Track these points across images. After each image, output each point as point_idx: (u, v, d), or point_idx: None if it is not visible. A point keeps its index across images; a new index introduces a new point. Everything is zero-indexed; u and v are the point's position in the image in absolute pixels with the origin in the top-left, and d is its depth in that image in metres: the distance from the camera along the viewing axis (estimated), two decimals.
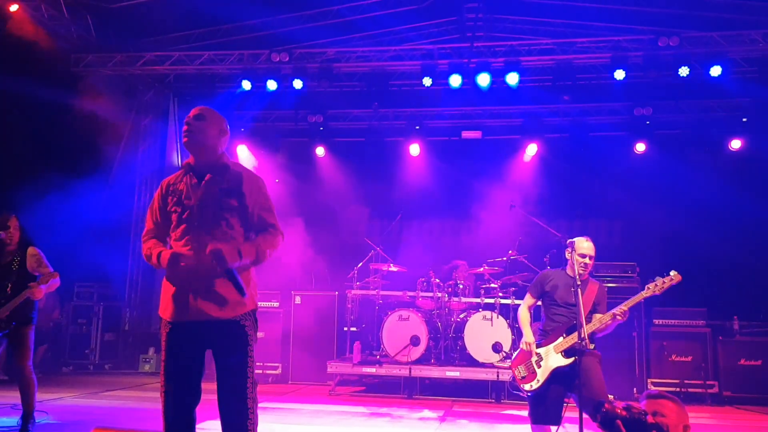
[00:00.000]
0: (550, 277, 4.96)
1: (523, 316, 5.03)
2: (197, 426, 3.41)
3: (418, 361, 8.63)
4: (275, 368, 9.58)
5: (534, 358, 4.74)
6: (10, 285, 5.54)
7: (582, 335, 4.33)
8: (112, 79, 11.93)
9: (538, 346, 4.78)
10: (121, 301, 11.96)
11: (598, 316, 4.68)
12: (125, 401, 8.02)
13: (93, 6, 10.58)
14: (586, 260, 4.75)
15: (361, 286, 9.60)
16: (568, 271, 4.86)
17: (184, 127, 3.42)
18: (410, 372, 8.47)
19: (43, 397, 5.91)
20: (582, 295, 4.52)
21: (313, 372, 9.50)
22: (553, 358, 4.66)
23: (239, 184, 3.44)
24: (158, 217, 3.54)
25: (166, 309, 3.39)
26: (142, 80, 12.56)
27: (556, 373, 4.62)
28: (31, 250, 5.69)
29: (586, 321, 4.62)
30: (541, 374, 4.67)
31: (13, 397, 6.47)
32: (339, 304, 9.80)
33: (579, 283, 4.48)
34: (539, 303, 5.08)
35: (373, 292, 9.40)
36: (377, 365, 8.67)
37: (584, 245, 4.80)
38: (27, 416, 5.59)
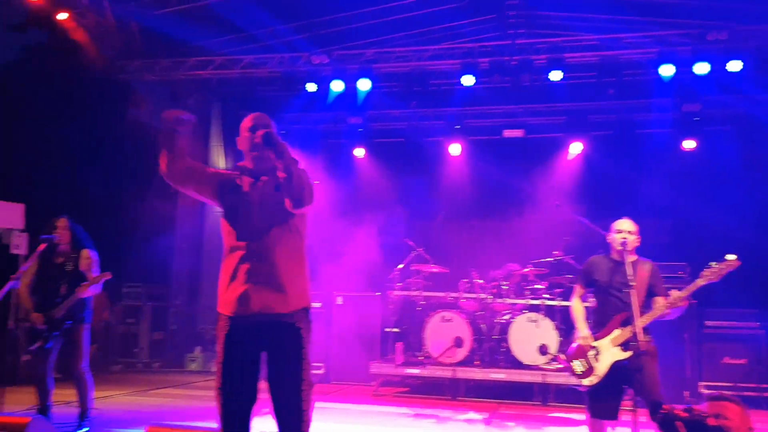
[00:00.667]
0: (597, 263, 4.84)
1: (577, 309, 4.91)
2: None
3: (462, 363, 8.55)
4: (318, 368, 9.60)
5: (591, 352, 4.62)
6: (64, 285, 5.68)
7: (634, 330, 4.25)
8: (156, 84, 12.15)
9: (595, 338, 4.67)
10: (167, 301, 12.17)
11: (658, 301, 4.55)
12: (174, 399, 8.15)
13: (138, 13, 10.78)
14: (624, 234, 4.63)
15: (402, 287, 9.58)
16: (613, 255, 4.76)
17: (261, 131, 3.42)
18: (454, 374, 8.39)
19: (95, 394, 6.03)
20: (634, 278, 4.42)
21: (356, 372, 9.49)
22: (610, 351, 4.55)
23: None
24: (207, 172, 3.58)
25: (226, 304, 3.42)
26: (185, 85, 12.74)
27: (615, 368, 4.51)
28: (84, 252, 5.83)
29: (644, 306, 4.52)
30: (600, 369, 4.56)
31: (68, 394, 6.64)
32: (381, 305, 9.79)
33: (632, 282, 4.36)
34: (589, 301, 4.99)
35: (415, 293, 9.36)
36: (420, 366, 8.62)
37: (621, 223, 4.73)
38: (83, 413, 5.74)
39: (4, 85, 19.38)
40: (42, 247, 5.73)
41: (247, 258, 3.40)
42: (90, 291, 5.72)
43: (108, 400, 7.62)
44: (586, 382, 4.62)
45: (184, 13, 10.48)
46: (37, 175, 15.45)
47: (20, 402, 6.33)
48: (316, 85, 10.83)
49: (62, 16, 10.04)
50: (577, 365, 4.68)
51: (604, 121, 11.59)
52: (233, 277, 3.42)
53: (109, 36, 11.02)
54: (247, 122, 3.60)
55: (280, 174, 3.33)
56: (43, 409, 5.75)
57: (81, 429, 5.72)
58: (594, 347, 4.63)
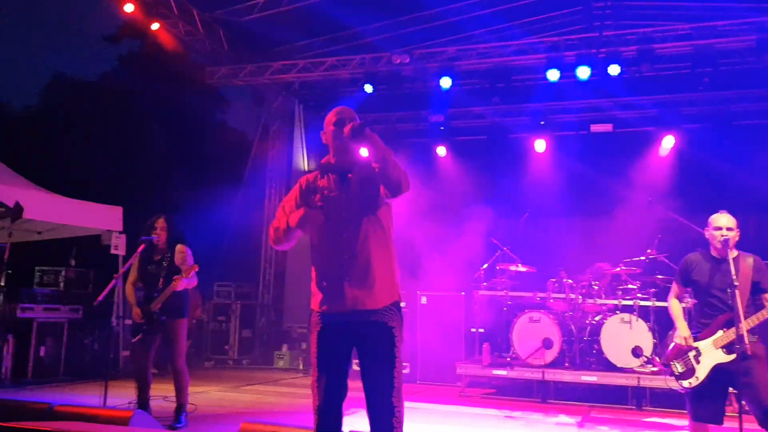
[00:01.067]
0: (695, 262, 4.56)
1: (675, 307, 4.68)
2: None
3: (552, 365, 8.35)
4: (404, 367, 9.59)
5: (692, 353, 4.40)
6: (162, 280, 5.92)
7: (740, 333, 4.03)
8: (242, 89, 12.49)
9: (695, 339, 4.44)
10: (255, 299, 12.51)
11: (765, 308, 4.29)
12: (263, 395, 8.36)
13: (224, 20, 11.13)
14: (723, 231, 4.37)
15: (488, 286, 9.45)
16: (712, 252, 4.50)
17: (349, 124, 3.35)
18: (543, 376, 8.20)
19: (190, 389, 6.23)
20: (737, 276, 4.19)
21: (441, 372, 9.44)
22: (712, 353, 4.32)
23: (374, 172, 3.44)
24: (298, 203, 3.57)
25: (318, 301, 3.45)
26: (269, 89, 13.07)
27: (718, 370, 4.28)
28: (179, 246, 6.07)
29: (749, 305, 4.28)
30: (701, 371, 4.34)
31: (164, 389, 6.92)
32: (465, 305, 9.69)
33: (736, 283, 4.13)
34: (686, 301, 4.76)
35: (501, 293, 9.22)
36: (508, 368, 8.48)
37: (719, 218, 4.45)
38: (180, 408, 5.93)
39: (100, 94, 20.51)
40: (142, 247, 5.99)
41: (337, 254, 3.42)
42: (183, 283, 5.91)
43: (202, 395, 7.88)
44: (685, 383, 4.41)
45: (269, 18, 10.73)
46: (133, 178, 16.26)
47: (122, 396, 6.63)
48: (398, 84, 10.81)
49: (154, 26, 10.43)
50: (676, 366, 4.48)
51: (699, 113, 11.10)
52: (323, 275, 3.46)
53: (198, 44, 11.42)
54: (331, 117, 3.55)
55: (375, 164, 3.30)
56: (143, 401, 5.99)
57: (179, 423, 5.92)
58: (695, 348, 4.41)
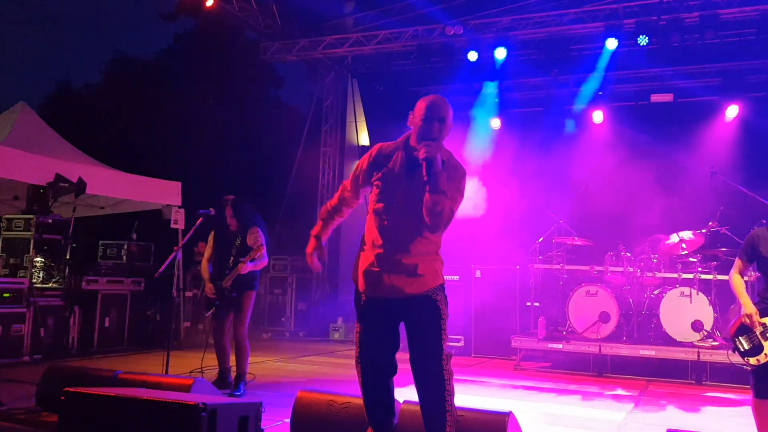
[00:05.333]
0: (762, 237, 4.42)
1: (738, 283, 4.54)
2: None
3: (609, 339, 8.24)
4: (458, 341, 9.63)
5: (759, 329, 4.29)
6: (231, 258, 6.09)
7: None
8: (296, 65, 12.57)
9: (762, 315, 4.32)
10: (310, 273, 12.68)
11: None
12: (319, 366, 8.53)
13: None
14: None
15: (544, 260, 9.35)
16: None
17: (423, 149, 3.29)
18: (600, 349, 8.11)
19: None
20: None
21: (496, 346, 9.41)
22: None
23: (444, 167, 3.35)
24: (358, 179, 3.58)
25: (359, 281, 3.49)
26: (322, 64, 13.11)
27: None
28: (252, 228, 6.18)
29: None
30: None
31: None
32: (520, 279, 9.62)
33: None
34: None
35: (558, 267, 9.11)
36: (564, 341, 8.41)
37: None
38: (240, 377, 6.09)
39: (157, 72, 20.93)
40: (200, 221, 6.15)
41: (382, 239, 3.38)
42: (248, 267, 6.02)
43: (260, 365, 8.08)
44: (753, 360, 4.28)
45: None
46: (191, 154, 16.59)
47: (183, 365, 6.84)
48: (450, 58, 10.69)
49: (209, 2, 10.53)
50: (742, 342, 4.35)
51: (765, 81, 10.62)
52: (366, 257, 3.45)
53: (252, 20, 11.51)
54: (422, 105, 3.41)
55: (426, 200, 3.25)
56: (223, 372, 6.18)
57: (238, 391, 6.07)
58: (762, 324, 4.28)
